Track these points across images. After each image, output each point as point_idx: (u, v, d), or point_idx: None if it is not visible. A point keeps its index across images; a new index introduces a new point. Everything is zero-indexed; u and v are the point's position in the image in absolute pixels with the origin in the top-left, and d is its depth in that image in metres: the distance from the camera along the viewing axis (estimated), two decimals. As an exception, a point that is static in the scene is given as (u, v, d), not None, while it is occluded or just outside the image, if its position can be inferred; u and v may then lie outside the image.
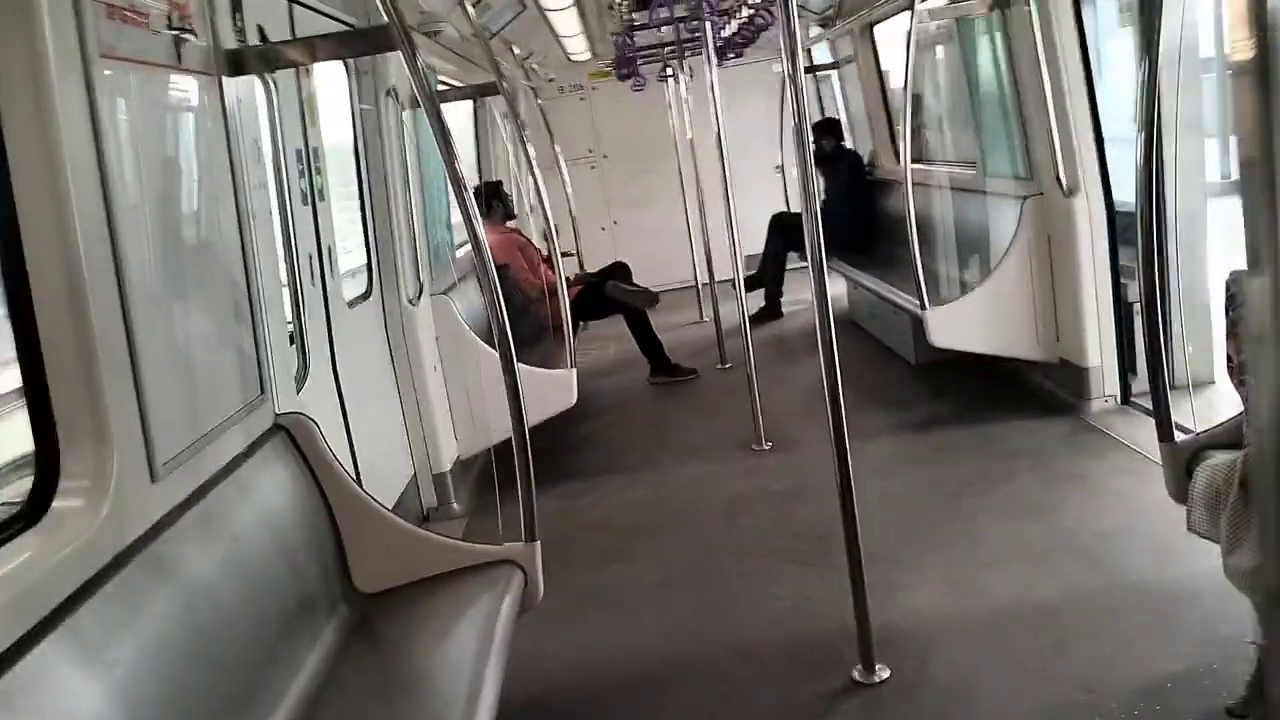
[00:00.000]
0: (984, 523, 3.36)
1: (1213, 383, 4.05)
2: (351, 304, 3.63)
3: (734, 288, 6.78)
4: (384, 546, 2.48)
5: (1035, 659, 2.53)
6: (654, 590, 3.25)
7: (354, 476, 2.56)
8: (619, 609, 3.16)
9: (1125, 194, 4.11)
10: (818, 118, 7.47)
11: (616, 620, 3.08)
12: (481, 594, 2.36)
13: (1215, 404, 3.79)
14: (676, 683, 2.68)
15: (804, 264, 7.18)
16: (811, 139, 7.02)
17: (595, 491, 4.22)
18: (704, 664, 2.75)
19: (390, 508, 2.69)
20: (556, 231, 4.87)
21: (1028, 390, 4.58)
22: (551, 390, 4.17)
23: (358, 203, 3.85)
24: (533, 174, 4.89)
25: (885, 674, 2.54)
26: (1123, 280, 4.12)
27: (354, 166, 3.82)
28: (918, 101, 5.33)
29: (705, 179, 6.36)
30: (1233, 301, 2.26)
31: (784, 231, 6.84)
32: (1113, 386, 4.17)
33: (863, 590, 2.57)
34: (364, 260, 3.90)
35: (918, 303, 4.31)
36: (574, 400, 4.35)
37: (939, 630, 2.74)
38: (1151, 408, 3.92)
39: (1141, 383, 4.17)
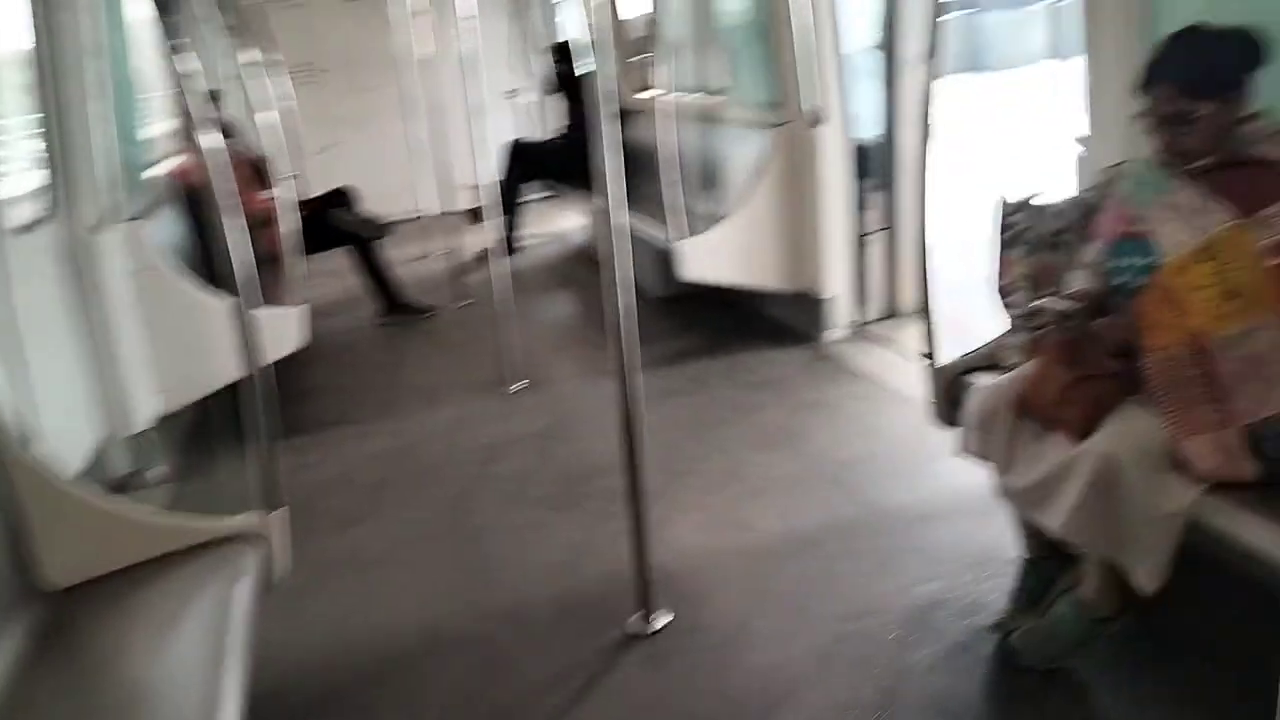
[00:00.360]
0: (740, 454, 3.36)
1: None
2: (22, 230, 2.97)
3: (470, 220, 6.47)
4: (79, 529, 2.01)
5: (805, 590, 2.54)
6: (406, 553, 2.97)
7: (31, 442, 2.07)
8: (367, 577, 2.85)
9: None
10: (553, 42, 7.21)
11: (365, 591, 2.78)
12: (211, 579, 1.98)
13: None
14: (439, 657, 2.43)
15: (543, 194, 7.06)
16: (552, 64, 6.80)
17: (328, 445, 3.83)
18: (468, 633, 2.52)
19: (82, 479, 2.22)
20: (281, 152, 4.31)
21: (768, 321, 4.67)
22: (278, 329, 3.70)
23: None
24: (243, 85, 4.26)
25: (663, 620, 2.45)
26: (860, 211, 4.27)
27: (31, 66, 3.09)
28: (660, 28, 5.21)
29: (436, 102, 5.94)
30: (1005, 225, 2.31)
31: (521, 161, 6.55)
32: (847, 316, 4.32)
33: (643, 534, 2.45)
34: (32, 179, 3.20)
35: (666, 235, 4.23)
36: (305, 340, 3.90)
37: (709, 569, 2.69)
38: (883, 335, 4.17)
39: (871, 313, 4.38)
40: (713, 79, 4.95)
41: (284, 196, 4.22)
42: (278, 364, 3.58)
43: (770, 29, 4.13)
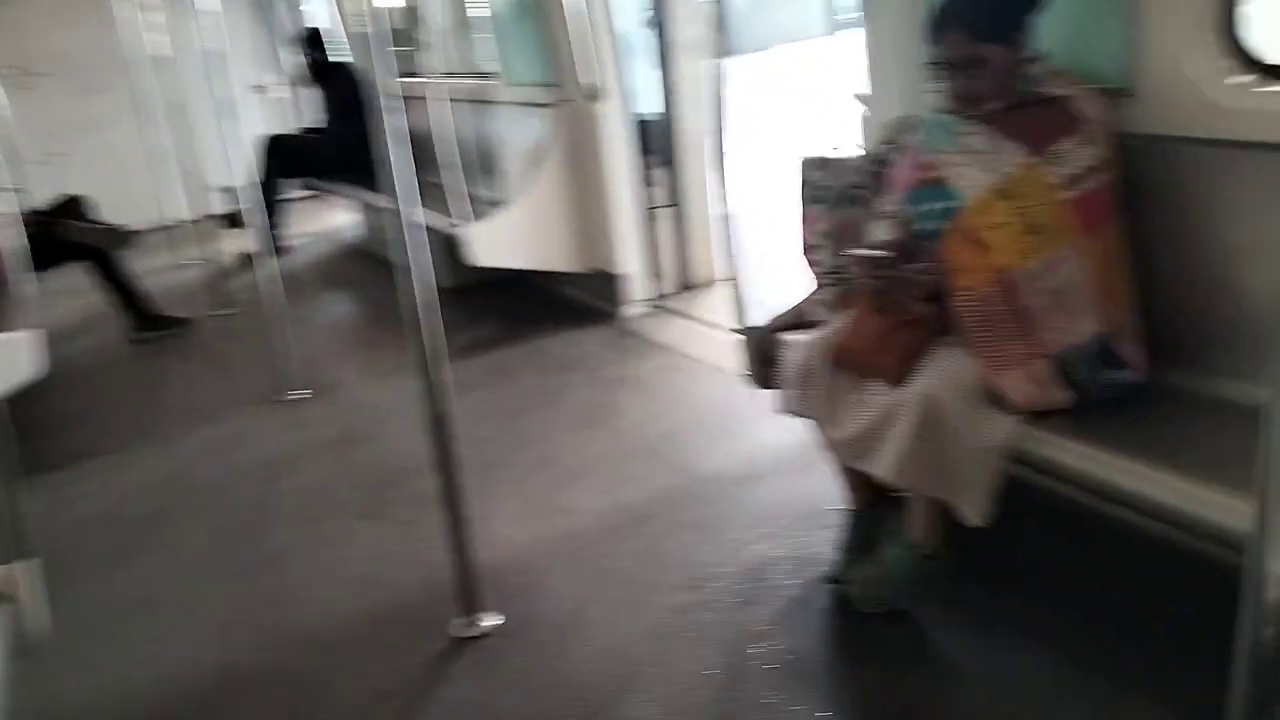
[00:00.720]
0: (555, 439, 3.24)
1: (718, 282, 4.38)
2: None
3: (228, 224, 5.98)
4: None
5: (638, 567, 2.46)
6: (191, 588, 2.64)
7: None
8: (148, 621, 2.51)
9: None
10: (302, 30, 6.78)
11: (147, 636, 2.44)
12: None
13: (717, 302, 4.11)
14: (241, 698, 2.17)
15: (306, 192, 6.64)
16: (303, 53, 6.37)
17: (86, 480, 3.37)
18: (273, 665, 2.26)
19: None
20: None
21: (565, 303, 4.56)
22: (8, 359, 3.20)
23: None
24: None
25: (492, 620, 2.30)
26: (647, 187, 4.24)
27: None
28: (422, 11, 4.98)
29: (177, 101, 5.44)
30: (805, 183, 2.30)
31: (278, 157, 6.10)
32: (642, 291, 4.29)
33: (463, 534, 2.28)
34: None
35: (449, 223, 4.03)
36: (42, 368, 3.41)
37: (536, 559, 2.56)
38: (679, 308, 4.18)
39: (666, 287, 4.37)
40: (483, 61, 4.78)
41: (4, 211, 3.68)
42: (13, 397, 3.11)
43: (541, 6, 4.01)
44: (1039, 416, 1.83)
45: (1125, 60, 1.91)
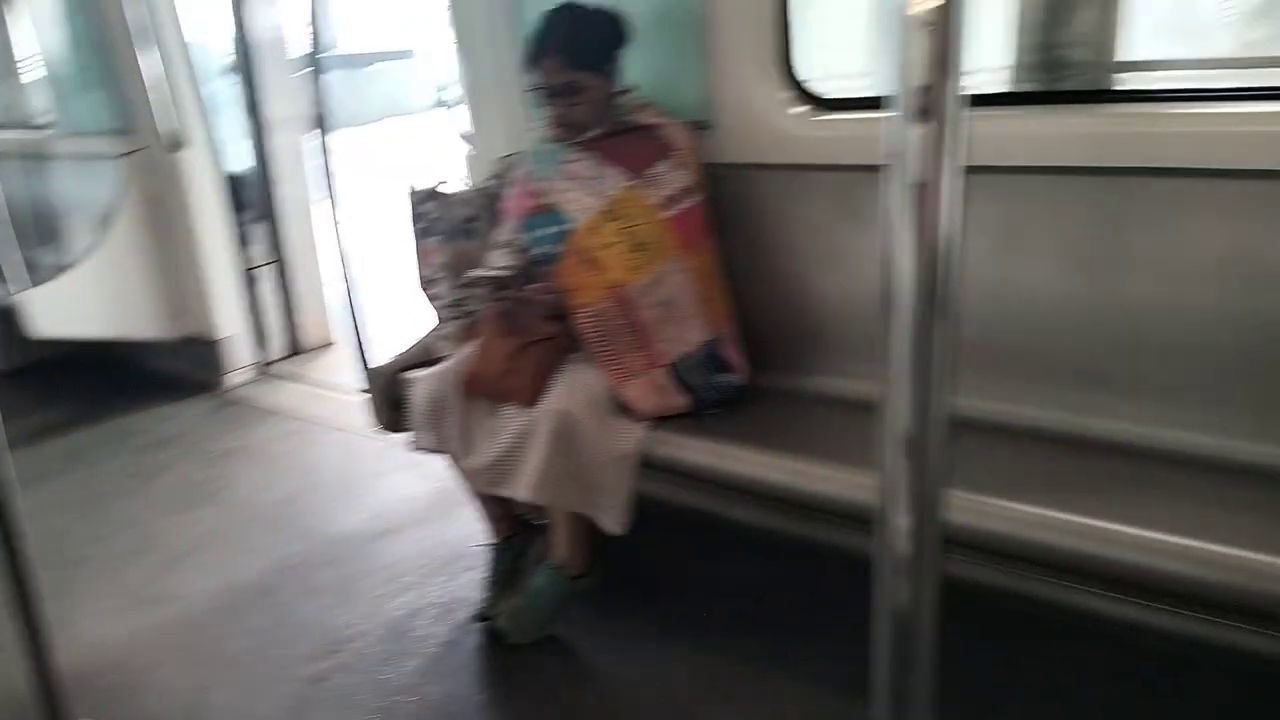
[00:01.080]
0: (153, 522, 2.85)
1: (331, 344, 4.19)
2: None
3: None
4: None
5: (264, 643, 2.22)
6: None
7: None
8: None
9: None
10: None
11: None
12: None
13: (336, 364, 3.96)
14: None
15: None
16: None
17: None
18: None
19: None
20: None
21: (156, 375, 4.07)
22: None
23: None
24: None
25: (87, 733, 1.94)
26: (244, 245, 3.95)
27: None
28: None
29: None
30: (417, 216, 2.26)
31: None
32: (247, 356, 3.96)
33: (40, 642, 1.90)
34: None
35: (6, 292, 3.45)
36: None
37: (139, 654, 2.21)
38: (291, 372, 3.93)
39: (274, 351, 4.08)
40: (37, 112, 4.19)
41: None
42: None
43: (107, 48, 3.60)
44: (663, 421, 1.93)
45: (704, 96, 2.11)
